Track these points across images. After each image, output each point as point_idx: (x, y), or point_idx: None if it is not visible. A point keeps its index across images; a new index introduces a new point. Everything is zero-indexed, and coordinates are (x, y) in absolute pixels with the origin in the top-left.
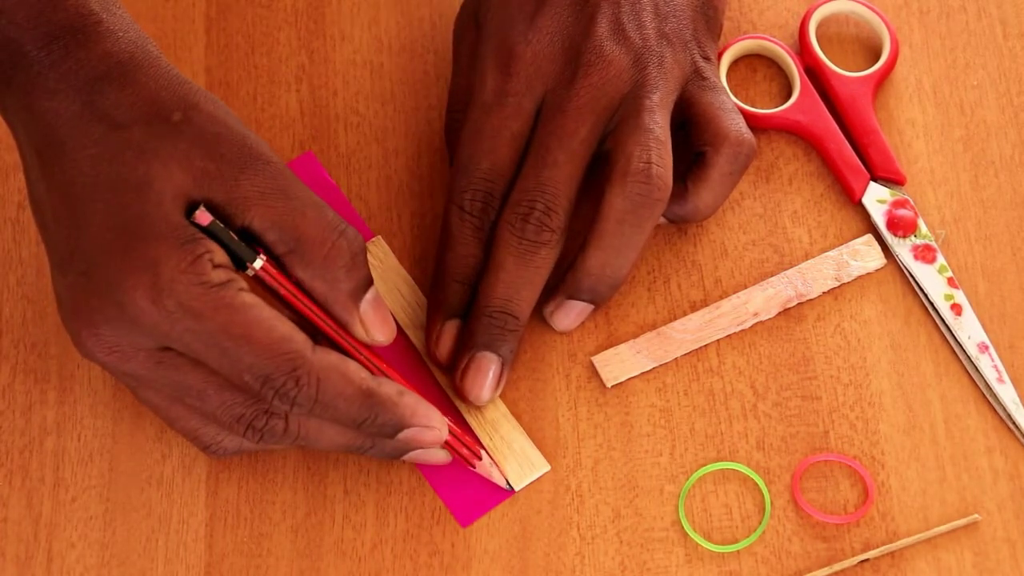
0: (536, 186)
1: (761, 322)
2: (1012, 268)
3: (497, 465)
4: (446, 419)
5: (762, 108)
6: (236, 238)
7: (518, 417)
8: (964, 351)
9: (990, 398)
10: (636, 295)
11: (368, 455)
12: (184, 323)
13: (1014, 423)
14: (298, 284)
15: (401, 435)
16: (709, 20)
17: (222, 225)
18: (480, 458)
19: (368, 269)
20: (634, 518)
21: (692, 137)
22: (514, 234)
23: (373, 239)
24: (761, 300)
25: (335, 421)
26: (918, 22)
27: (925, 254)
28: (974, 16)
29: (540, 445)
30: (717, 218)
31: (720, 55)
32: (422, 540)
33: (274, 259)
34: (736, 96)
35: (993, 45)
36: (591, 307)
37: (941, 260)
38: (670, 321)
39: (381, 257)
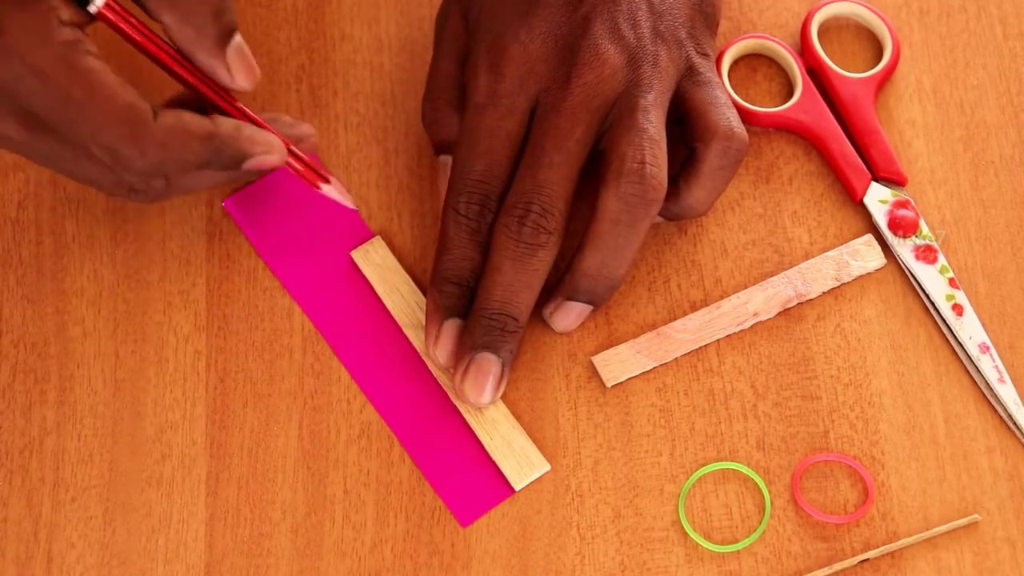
0: (532, 187)
1: (761, 322)
2: (1012, 268)
3: (345, 190)
4: (283, 143)
5: (763, 107)
6: None
7: (518, 417)
8: (965, 351)
9: (991, 398)
10: (636, 295)
11: (233, 179)
12: (28, 83)
13: (1015, 423)
14: (165, 29)
15: (246, 164)
16: (707, 16)
17: None
18: (328, 181)
19: (234, 15)
20: (634, 518)
21: (685, 133)
22: (510, 237)
23: (373, 239)
24: (761, 300)
25: (186, 171)
26: (918, 22)
27: (927, 254)
28: (974, 16)
29: (540, 445)
30: (717, 218)
31: (721, 54)
32: (422, 540)
33: (139, 5)
34: (737, 95)
35: (993, 45)
36: (590, 308)
37: (942, 260)
38: (670, 321)
39: (381, 257)
